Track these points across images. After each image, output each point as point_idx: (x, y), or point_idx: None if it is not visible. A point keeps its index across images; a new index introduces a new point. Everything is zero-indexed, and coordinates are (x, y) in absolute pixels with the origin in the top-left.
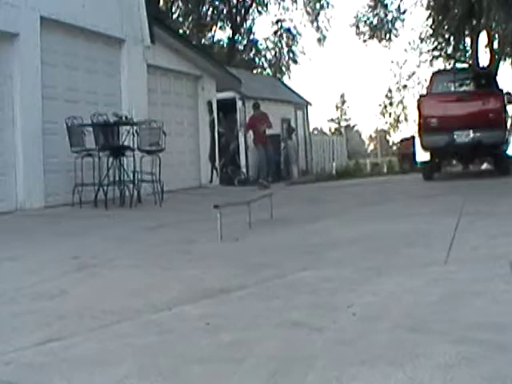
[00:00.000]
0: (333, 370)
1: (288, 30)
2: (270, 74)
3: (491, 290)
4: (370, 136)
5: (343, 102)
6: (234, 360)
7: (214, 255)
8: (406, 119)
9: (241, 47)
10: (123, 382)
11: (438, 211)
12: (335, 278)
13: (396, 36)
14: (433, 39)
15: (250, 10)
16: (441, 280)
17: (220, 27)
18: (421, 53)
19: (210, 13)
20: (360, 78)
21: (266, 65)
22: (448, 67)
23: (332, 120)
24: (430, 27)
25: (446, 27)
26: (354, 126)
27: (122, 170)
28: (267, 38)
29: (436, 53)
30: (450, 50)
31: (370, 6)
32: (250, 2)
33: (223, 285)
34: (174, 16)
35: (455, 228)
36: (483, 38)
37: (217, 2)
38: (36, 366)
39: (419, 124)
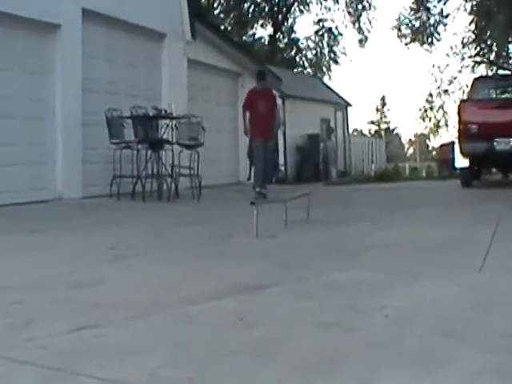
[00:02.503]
0: (363, 371)
1: (329, 30)
2: (311, 73)
3: None
4: (410, 140)
5: (383, 105)
6: (266, 355)
7: (249, 252)
8: (446, 124)
9: (282, 45)
10: (155, 371)
11: (475, 219)
12: (369, 280)
13: (438, 40)
14: (475, 45)
15: (292, 9)
16: (475, 287)
17: (261, 25)
18: (463, 58)
19: (251, 10)
20: (401, 80)
21: (306, 64)
22: (490, 74)
23: (372, 122)
24: (473, 33)
25: (488, 33)
26: (393, 129)
27: (161, 163)
28: (308, 38)
29: (478, 59)
30: (492, 56)
31: (412, 9)
32: (291, 1)
33: (258, 281)
34: (216, 12)
35: (492, 236)
36: None
37: (258, 0)
38: (70, 352)
39: (459, 130)
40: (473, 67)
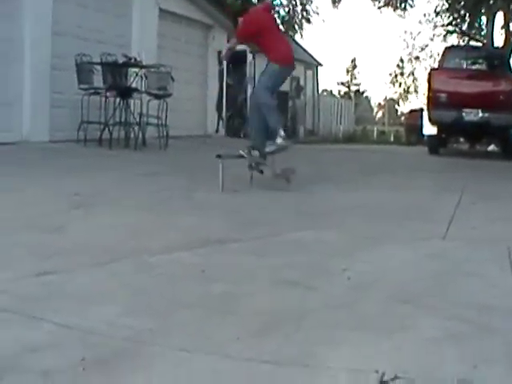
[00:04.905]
0: (322, 332)
1: None
2: (283, 30)
3: (485, 272)
4: (379, 104)
5: (354, 67)
6: (225, 310)
7: (213, 206)
8: (415, 91)
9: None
10: (115, 320)
11: (440, 187)
12: (332, 241)
13: (411, 6)
14: (448, 14)
15: None
16: (437, 256)
17: None
18: (435, 26)
19: None
20: (372, 44)
21: (278, 21)
22: (462, 44)
23: (342, 83)
24: (447, 1)
25: (462, 3)
26: (363, 92)
27: (129, 111)
28: None
29: (450, 28)
30: (464, 26)
31: None
32: None
33: (221, 236)
34: None
35: (456, 206)
36: (499, 18)
37: None
38: (30, 297)
39: (428, 97)
40: (445, 36)
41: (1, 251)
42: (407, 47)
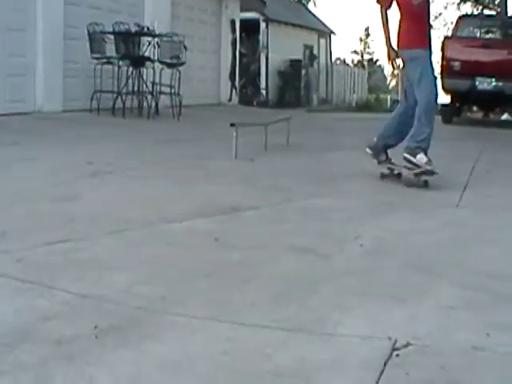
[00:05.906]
0: (336, 298)
1: None
2: None
3: (501, 240)
4: (392, 72)
5: (367, 35)
6: (240, 278)
7: (227, 173)
8: None
9: None
10: (129, 288)
11: (454, 156)
12: (346, 208)
13: None
14: None
15: None
16: (452, 223)
17: None
18: None
19: None
20: None
21: None
22: (475, 12)
23: (355, 52)
24: None
25: None
26: (376, 61)
27: (142, 80)
28: None
29: None
30: None
31: None
32: None
33: (235, 203)
34: None
35: (470, 174)
36: None
37: None
38: (45, 266)
39: (442, 66)
40: (458, 4)
41: (16, 220)
42: None
